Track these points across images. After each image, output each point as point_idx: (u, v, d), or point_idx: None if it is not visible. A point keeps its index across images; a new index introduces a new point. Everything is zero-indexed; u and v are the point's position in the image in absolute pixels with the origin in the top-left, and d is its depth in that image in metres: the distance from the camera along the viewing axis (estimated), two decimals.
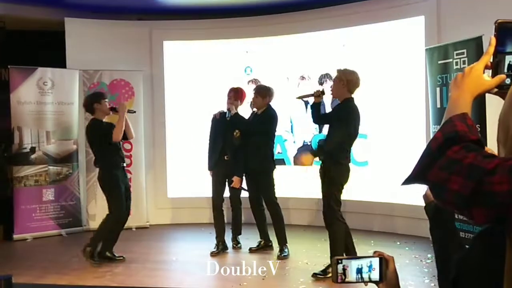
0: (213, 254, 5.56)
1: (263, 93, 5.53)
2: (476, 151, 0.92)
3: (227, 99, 5.68)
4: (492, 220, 0.88)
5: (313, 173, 6.99)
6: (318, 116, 4.97)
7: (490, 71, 1.08)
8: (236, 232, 5.85)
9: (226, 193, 5.81)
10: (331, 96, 5.16)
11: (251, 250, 5.65)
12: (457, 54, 5.27)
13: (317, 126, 7.07)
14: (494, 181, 0.85)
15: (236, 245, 5.80)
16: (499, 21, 1.06)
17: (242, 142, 5.55)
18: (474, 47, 4.99)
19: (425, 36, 6.08)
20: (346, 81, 4.60)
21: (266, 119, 5.50)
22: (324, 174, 4.64)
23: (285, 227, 5.58)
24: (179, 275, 5.13)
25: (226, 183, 5.72)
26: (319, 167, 4.87)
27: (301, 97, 5.29)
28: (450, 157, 0.93)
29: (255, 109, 5.69)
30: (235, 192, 5.75)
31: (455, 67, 5.31)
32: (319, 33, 7.02)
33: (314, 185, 6.87)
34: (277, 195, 5.59)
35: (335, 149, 4.58)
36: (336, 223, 4.60)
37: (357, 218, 6.27)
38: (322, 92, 4.89)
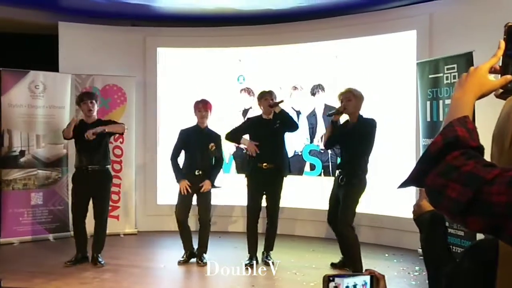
0: (180, 263, 5.55)
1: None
2: (475, 158, 0.91)
3: (198, 112, 5.53)
4: (487, 230, 0.88)
5: (305, 184, 7.03)
6: (335, 139, 5.19)
7: (499, 75, 1.04)
8: (202, 250, 5.58)
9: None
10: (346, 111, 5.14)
11: (246, 266, 5.39)
12: (447, 69, 5.35)
13: (308, 136, 7.11)
14: (492, 191, 0.85)
15: (201, 261, 5.52)
16: (509, 24, 1.03)
17: (218, 154, 5.52)
18: (465, 62, 5.06)
19: (416, 50, 6.15)
20: (361, 97, 5.02)
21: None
22: (347, 186, 4.93)
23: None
24: (167, 283, 5.12)
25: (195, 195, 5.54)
26: (337, 178, 5.13)
27: (331, 114, 5.21)
28: (449, 163, 0.92)
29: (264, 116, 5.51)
30: (207, 205, 5.56)
31: (445, 81, 5.38)
32: (312, 44, 7.07)
33: (306, 196, 6.92)
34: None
35: (362, 164, 4.94)
36: (350, 231, 4.95)
37: None
38: (345, 109, 5.06)
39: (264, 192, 5.50)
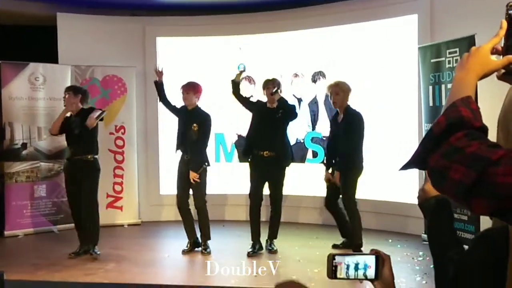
0: (184, 252, 5.56)
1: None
2: (479, 139, 0.89)
3: (181, 94, 5.55)
4: (493, 212, 0.86)
5: (308, 171, 7.02)
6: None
7: (501, 56, 1.02)
8: (205, 238, 5.59)
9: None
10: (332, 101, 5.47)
11: (249, 255, 5.40)
12: (449, 53, 5.30)
13: (310, 123, 7.09)
14: (498, 172, 0.83)
15: (205, 249, 5.55)
16: (511, 3, 1.01)
17: (199, 136, 5.44)
18: (467, 46, 5.01)
19: (418, 35, 6.09)
20: (348, 90, 5.32)
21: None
22: (344, 171, 5.29)
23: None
24: (171, 272, 5.13)
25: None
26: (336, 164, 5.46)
27: None
28: (453, 144, 0.90)
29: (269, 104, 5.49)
30: (199, 191, 5.51)
31: (447, 65, 5.34)
32: (312, 31, 7.01)
33: (308, 183, 6.91)
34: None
35: (357, 151, 5.26)
36: (353, 205, 5.34)
37: None
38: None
39: (267, 180, 5.50)
